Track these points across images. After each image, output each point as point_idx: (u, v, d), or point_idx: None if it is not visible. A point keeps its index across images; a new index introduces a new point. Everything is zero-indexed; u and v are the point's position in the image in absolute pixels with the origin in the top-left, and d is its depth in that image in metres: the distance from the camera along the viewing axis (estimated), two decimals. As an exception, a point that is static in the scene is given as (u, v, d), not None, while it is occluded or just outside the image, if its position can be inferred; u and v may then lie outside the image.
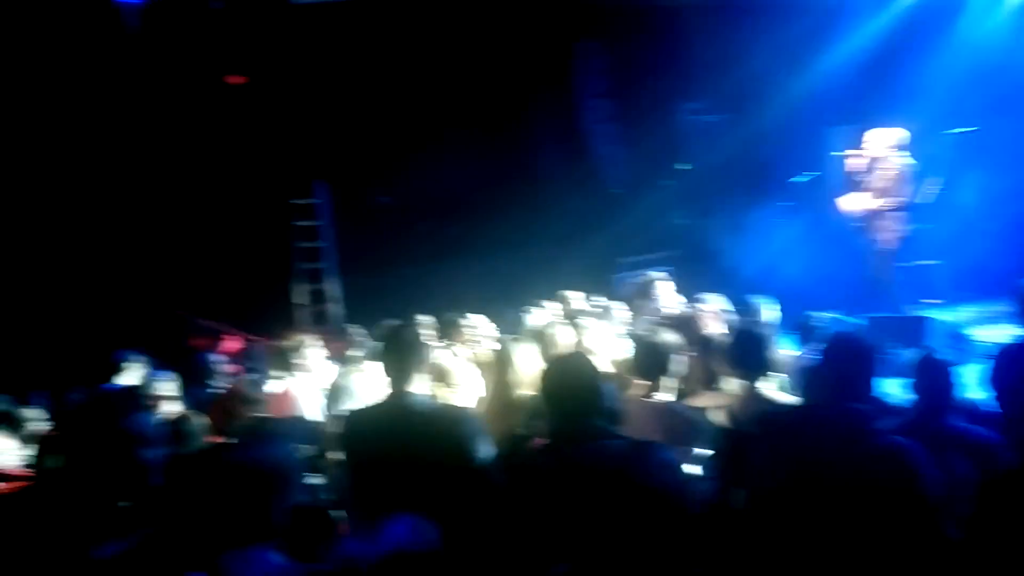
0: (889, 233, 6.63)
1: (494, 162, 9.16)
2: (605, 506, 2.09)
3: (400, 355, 2.70)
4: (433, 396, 2.93)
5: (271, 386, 4.32)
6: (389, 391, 2.72)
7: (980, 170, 8.81)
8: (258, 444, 2.62)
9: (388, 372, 2.72)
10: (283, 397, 4.29)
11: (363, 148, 9.28)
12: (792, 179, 7.20)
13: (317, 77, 8.93)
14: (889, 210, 6.59)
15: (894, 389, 3.40)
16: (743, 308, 5.12)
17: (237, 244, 8.92)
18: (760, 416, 2.88)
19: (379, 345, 2.93)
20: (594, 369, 2.34)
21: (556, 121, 9.23)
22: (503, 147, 9.14)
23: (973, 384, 3.51)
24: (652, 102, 9.00)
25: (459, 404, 3.12)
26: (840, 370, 2.48)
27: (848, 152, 6.79)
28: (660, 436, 2.87)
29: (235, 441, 3.15)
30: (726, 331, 4.10)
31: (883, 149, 6.68)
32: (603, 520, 2.09)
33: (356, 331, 5.10)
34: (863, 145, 6.85)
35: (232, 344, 7.56)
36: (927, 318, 5.63)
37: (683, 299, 5.77)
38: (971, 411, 3.25)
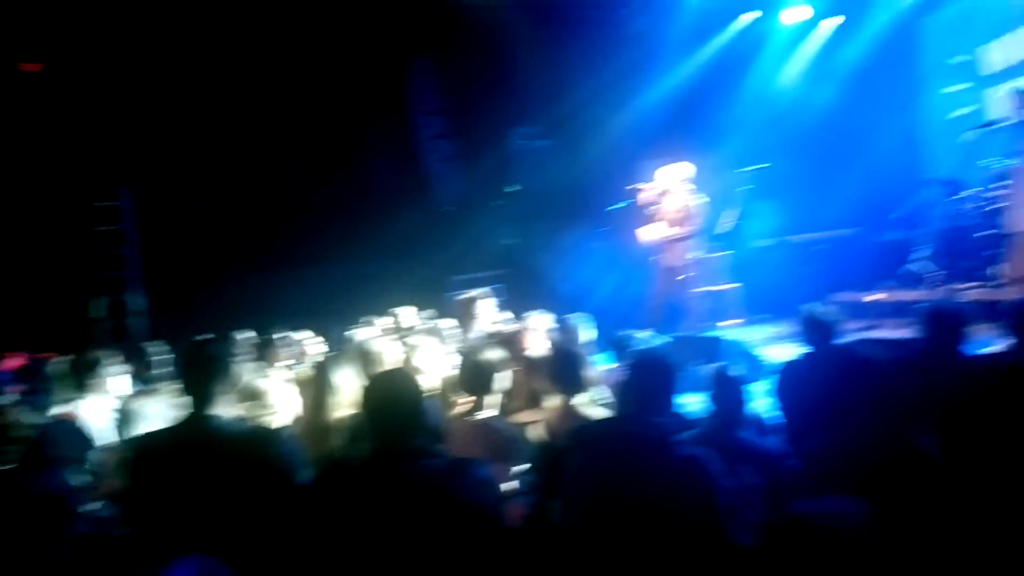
0: (680, 259, 7.08)
1: (323, 171, 8.89)
2: (421, 525, 2.06)
3: (201, 374, 2.49)
4: (242, 418, 2.75)
5: (57, 409, 3.88)
6: (188, 413, 2.52)
7: (772, 202, 9.88)
8: (34, 471, 2.33)
9: (188, 392, 2.52)
10: (70, 420, 3.85)
11: (177, 148, 8.64)
12: (609, 207, 7.64)
13: (125, 66, 8.18)
14: (680, 239, 7.04)
15: (693, 403, 3.66)
16: (563, 326, 5.33)
17: (30, 249, 7.98)
18: (574, 431, 2.99)
19: (179, 363, 2.72)
20: (417, 387, 2.31)
21: (388, 134, 9.12)
22: (332, 156, 8.89)
23: (762, 398, 3.87)
24: (484, 123, 9.17)
25: (272, 426, 2.96)
26: (643, 386, 2.62)
27: (639, 186, 7.22)
28: (482, 453, 2.89)
29: (6, 469, 2.79)
30: (548, 348, 4.23)
31: (672, 183, 7.16)
32: (419, 539, 2.07)
33: (156, 348, 4.72)
34: (654, 179, 7.33)
35: (12, 361, 6.71)
36: (722, 338, 6.13)
37: (510, 316, 5.91)
38: (759, 424, 3.58)
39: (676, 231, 7.09)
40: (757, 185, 9.53)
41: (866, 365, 2.32)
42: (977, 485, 2.52)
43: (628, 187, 7.45)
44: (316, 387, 3.18)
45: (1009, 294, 5.45)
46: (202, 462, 2.36)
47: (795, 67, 10.32)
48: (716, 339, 6.16)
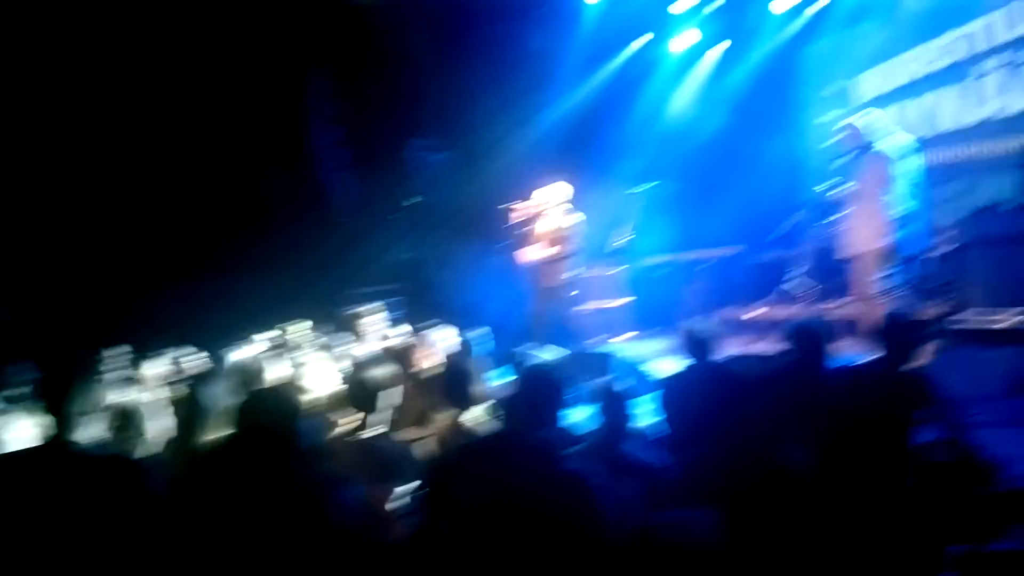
0: (556, 280, 7.14)
1: (212, 179, 8.51)
2: (286, 545, 2.00)
3: (63, 394, 2.34)
4: (107, 442, 2.59)
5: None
6: (47, 436, 2.34)
7: (663, 220, 10.26)
8: None
9: (48, 414, 2.35)
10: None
11: (50, 154, 8.07)
12: (507, 224, 7.70)
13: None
14: (555, 259, 7.11)
15: (581, 418, 3.72)
16: (457, 342, 5.33)
17: None
18: (461, 446, 2.98)
19: (40, 382, 2.54)
20: (291, 406, 2.25)
21: (283, 141, 8.82)
22: (222, 163, 8.52)
23: (648, 412, 3.98)
24: (382, 134, 9.06)
25: (141, 450, 2.80)
26: (529, 401, 2.66)
27: (513, 207, 7.29)
28: (366, 472, 2.83)
29: None
30: (440, 364, 4.21)
31: (548, 203, 7.24)
32: (292, 560, 2.00)
33: (18, 366, 4.38)
34: (531, 199, 7.42)
35: None
36: (613, 353, 6.27)
37: (405, 331, 5.85)
38: (644, 437, 3.68)
39: (551, 252, 7.11)
40: (649, 204, 9.90)
41: (739, 380, 2.43)
42: (841, 493, 2.69)
43: (501, 207, 7.46)
44: (187, 408, 3.03)
45: (874, 311, 5.87)
46: (54, 491, 2.20)
47: (686, 91, 10.81)
48: (607, 354, 6.30)
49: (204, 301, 7.92)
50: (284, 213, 8.67)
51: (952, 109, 9.14)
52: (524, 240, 7.35)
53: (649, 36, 10.17)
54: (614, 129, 9.95)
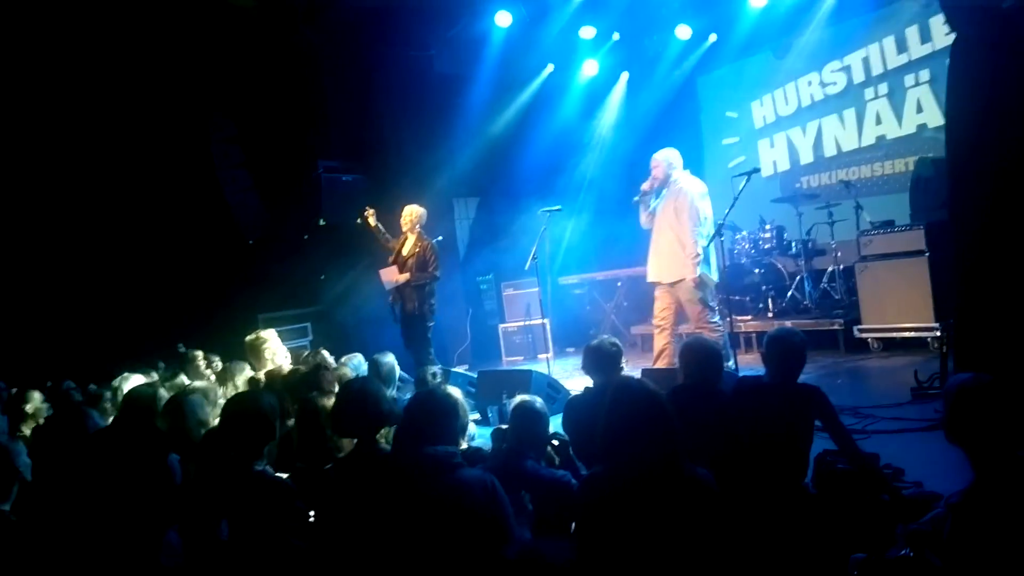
0: (412, 303, 7.20)
1: (112, 201, 8.02)
2: None
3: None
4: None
5: None
6: None
7: (579, 240, 10.43)
8: None
9: None
10: None
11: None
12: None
13: None
14: (414, 284, 7.17)
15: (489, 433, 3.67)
16: (364, 365, 5.20)
17: None
18: (363, 468, 2.88)
19: None
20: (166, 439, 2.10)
21: (183, 158, 8.40)
22: (120, 184, 8.06)
23: (558, 427, 3.97)
24: (287, 155, 8.82)
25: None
26: (420, 420, 2.64)
27: (367, 210, 7.43)
28: (255, 511, 2.68)
29: None
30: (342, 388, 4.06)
31: (406, 225, 7.30)
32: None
33: None
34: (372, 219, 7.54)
35: None
36: (531, 371, 6.25)
37: (309, 355, 5.66)
38: (553, 452, 3.65)
39: (406, 276, 7.19)
40: (564, 224, 10.04)
41: (642, 395, 2.43)
42: (744, 505, 2.71)
43: (358, 221, 7.52)
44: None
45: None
46: None
47: (597, 115, 11.08)
48: (524, 372, 6.28)
49: (96, 327, 7.46)
50: (190, 235, 8.27)
51: (837, 135, 9.71)
52: (388, 245, 7.45)
53: (557, 63, 10.35)
54: (525, 152, 10.05)
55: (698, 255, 6.28)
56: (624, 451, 2.35)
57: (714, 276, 6.47)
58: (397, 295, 7.28)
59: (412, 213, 7.28)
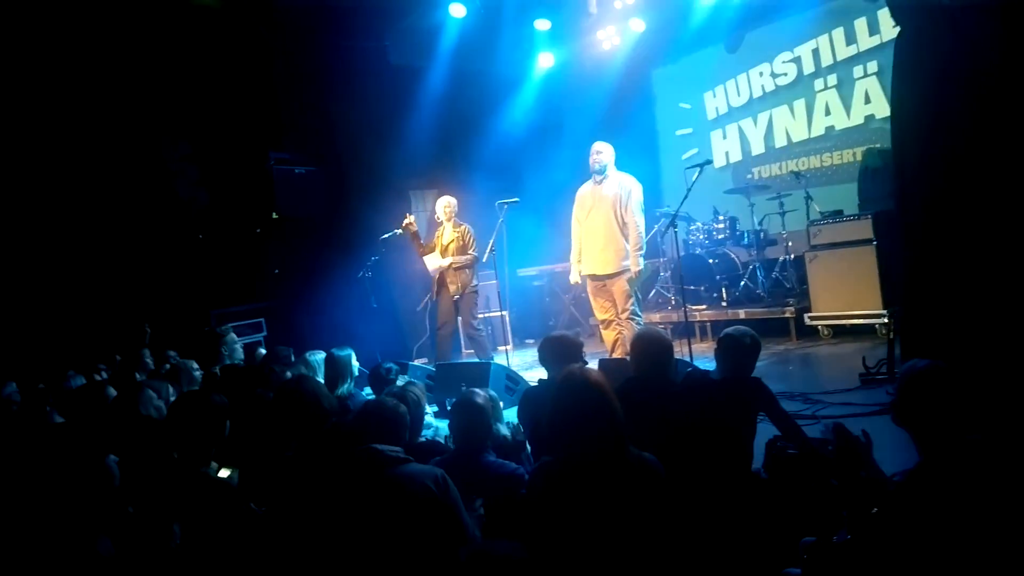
0: (455, 286, 7.29)
1: (56, 192, 7.76)
2: None
3: None
4: None
5: None
6: None
7: (536, 232, 10.42)
8: None
9: None
10: None
11: None
12: (382, 236, 7.57)
13: None
14: (456, 267, 7.27)
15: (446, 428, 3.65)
16: (321, 360, 5.12)
17: None
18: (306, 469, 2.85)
19: None
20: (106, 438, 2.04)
21: (131, 152, 8.16)
22: (67, 175, 7.79)
23: (515, 420, 3.97)
24: (234, 147, 8.63)
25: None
26: (369, 427, 2.65)
27: (409, 216, 7.40)
28: (193, 512, 2.62)
29: None
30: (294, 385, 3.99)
31: (443, 215, 7.41)
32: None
33: None
34: (433, 210, 7.50)
35: None
36: (490, 363, 6.23)
37: (262, 352, 5.58)
38: (507, 445, 3.66)
39: (450, 261, 7.28)
40: (520, 216, 10.02)
41: (583, 384, 2.45)
42: (694, 492, 2.75)
43: (403, 216, 7.51)
44: None
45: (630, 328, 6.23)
46: None
47: (548, 106, 11.07)
48: (483, 364, 6.26)
49: (44, 325, 7.23)
50: (140, 227, 8.04)
51: (787, 126, 9.88)
52: (421, 250, 7.48)
53: (513, 55, 10.31)
54: (482, 144, 10.01)
55: (643, 248, 6.35)
56: (570, 438, 2.39)
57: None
58: (438, 286, 7.42)
59: (448, 204, 7.44)
